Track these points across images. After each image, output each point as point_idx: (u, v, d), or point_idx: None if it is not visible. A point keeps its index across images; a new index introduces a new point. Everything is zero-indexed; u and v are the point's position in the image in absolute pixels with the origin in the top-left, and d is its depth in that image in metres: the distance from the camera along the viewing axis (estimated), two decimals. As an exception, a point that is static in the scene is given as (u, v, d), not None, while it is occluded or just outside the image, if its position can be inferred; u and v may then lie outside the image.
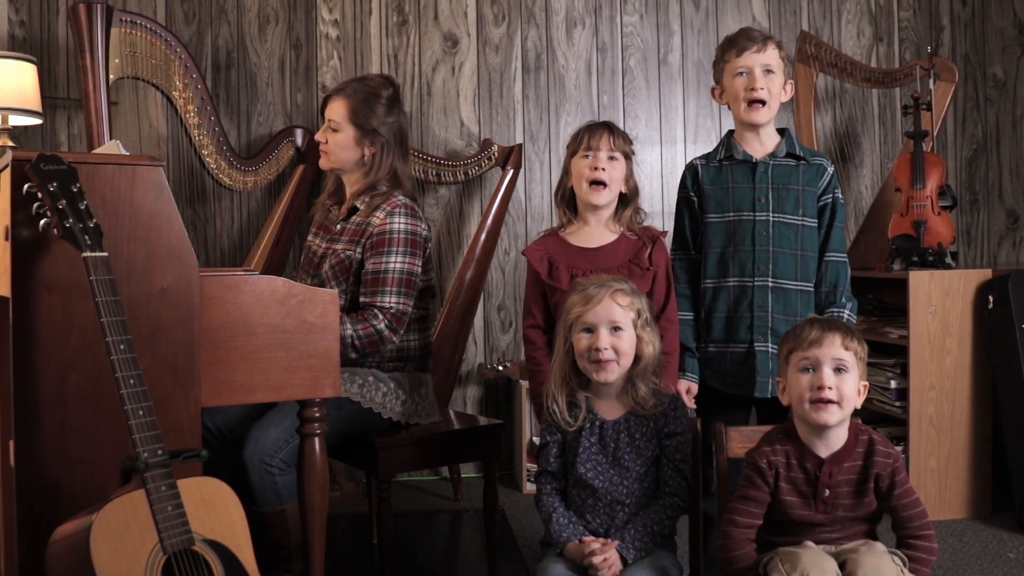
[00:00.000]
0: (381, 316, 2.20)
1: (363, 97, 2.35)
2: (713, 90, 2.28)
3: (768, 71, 2.15)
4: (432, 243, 3.48)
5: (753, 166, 2.18)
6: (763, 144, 2.21)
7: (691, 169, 2.26)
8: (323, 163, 2.42)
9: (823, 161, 2.22)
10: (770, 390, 2.12)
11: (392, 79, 2.47)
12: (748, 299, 2.14)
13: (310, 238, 2.49)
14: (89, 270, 1.43)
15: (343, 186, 2.47)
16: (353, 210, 2.37)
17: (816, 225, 2.18)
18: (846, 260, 2.22)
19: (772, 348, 2.12)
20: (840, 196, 2.22)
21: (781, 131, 2.24)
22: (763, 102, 2.15)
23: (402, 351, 2.34)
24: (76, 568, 1.33)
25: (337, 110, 2.36)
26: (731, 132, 2.26)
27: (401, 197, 2.32)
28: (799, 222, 2.16)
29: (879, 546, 1.57)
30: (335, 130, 2.36)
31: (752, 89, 2.14)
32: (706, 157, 2.27)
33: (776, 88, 2.17)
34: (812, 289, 2.17)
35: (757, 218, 2.15)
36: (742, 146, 2.21)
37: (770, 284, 2.14)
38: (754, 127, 2.19)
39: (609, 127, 2.11)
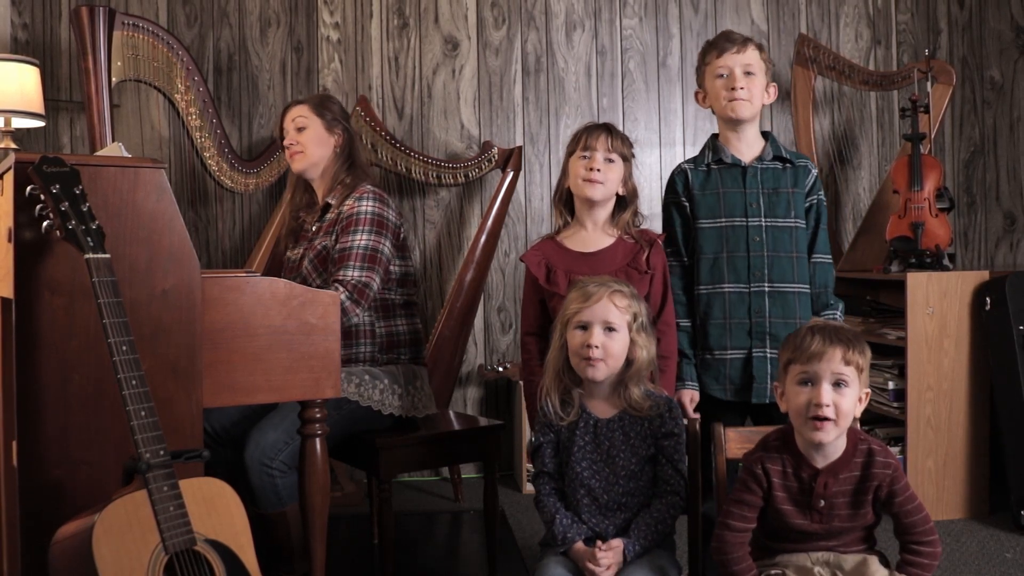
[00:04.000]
0: (342, 288, 2.21)
1: (318, 98, 2.52)
2: (696, 94, 2.28)
3: (748, 72, 2.15)
4: (431, 243, 3.52)
5: (743, 171, 2.19)
6: (749, 147, 2.21)
7: (680, 174, 2.25)
8: (297, 164, 2.47)
9: (807, 163, 2.23)
10: (768, 396, 2.12)
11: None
12: (746, 305, 2.14)
13: (288, 253, 2.53)
14: (92, 272, 1.44)
15: (312, 197, 2.52)
16: (326, 208, 2.42)
17: (805, 226, 2.19)
18: (831, 261, 2.24)
19: (771, 353, 2.13)
20: (823, 198, 2.23)
21: (764, 135, 2.24)
22: (744, 100, 2.15)
23: (392, 338, 2.35)
24: (79, 568, 1.34)
25: (299, 110, 2.47)
26: (715, 136, 2.26)
27: (368, 185, 2.39)
28: (792, 224, 2.17)
29: (876, 564, 1.57)
30: (302, 128, 2.45)
31: (732, 89, 2.15)
32: (694, 161, 2.26)
33: (757, 89, 2.17)
34: (808, 290, 2.18)
35: (750, 224, 2.15)
36: (729, 149, 2.21)
37: (767, 289, 2.14)
38: (736, 126, 2.19)
39: (608, 128, 2.11)
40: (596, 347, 1.77)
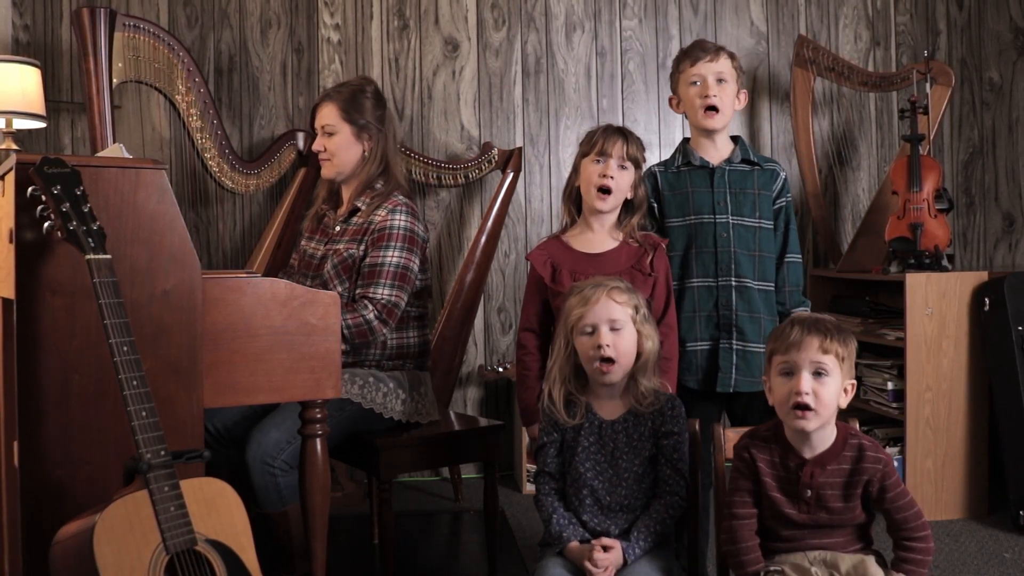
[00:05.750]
0: (371, 307, 2.21)
1: (349, 95, 2.41)
2: (670, 100, 2.37)
3: (720, 80, 2.24)
4: (431, 245, 3.53)
5: (711, 171, 2.25)
6: (718, 151, 2.28)
7: (650, 176, 2.31)
8: (326, 172, 2.44)
9: (776, 167, 2.30)
10: (732, 385, 2.19)
11: (371, 78, 2.52)
12: (714, 298, 2.21)
13: (304, 243, 2.52)
14: (93, 272, 1.45)
15: (337, 192, 2.50)
16: (354, 211, 2.39)
17: (772, 227, 2.26)
18: (801, 260, 2.32)
19: (736, 344, 2.20)
20: (791, 199, 2.31)
21: (734, 139, 2.32)
22: (716, 108, 2.23)
23: (401, 349, 2.36)
24: (80, 568, 1.35)
25: (328, 114, 2.40)
26: (686, 140, 2.34)
27: (401, 197, 2.36)
28: (756, 224, 2.23)
29: (872, 564, 1.58)
30: (331, 133, 2.40)
31: (705, 96, 2.22)
32: (664, 164, 2.33)
33: (728, 96, 2.25)
34: (771, 288, 2.25)
35: (718, 221, 2.22)
36: (699, 152, 2.28)
37: (734, 283, 2.20)
38: (709, 133, 2.27)
39: (624, 134, 2.13)
40: (607, 346, 1.78)
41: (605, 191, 2.10)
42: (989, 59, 3.76)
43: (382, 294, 2.24)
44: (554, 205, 3.58)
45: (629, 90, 3.67)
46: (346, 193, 2.47)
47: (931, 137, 3.34)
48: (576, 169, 2.17)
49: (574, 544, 1.75)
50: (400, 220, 2.30)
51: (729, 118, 2.27)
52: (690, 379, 2.22)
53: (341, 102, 2.39)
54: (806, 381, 1.55)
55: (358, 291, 2.27)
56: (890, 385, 3.06)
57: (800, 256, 2.30)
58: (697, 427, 1.83)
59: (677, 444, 1.80)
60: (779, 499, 1.60)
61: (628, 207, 2.16)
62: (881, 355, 3.16)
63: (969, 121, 3.78)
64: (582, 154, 2.15)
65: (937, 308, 2.94)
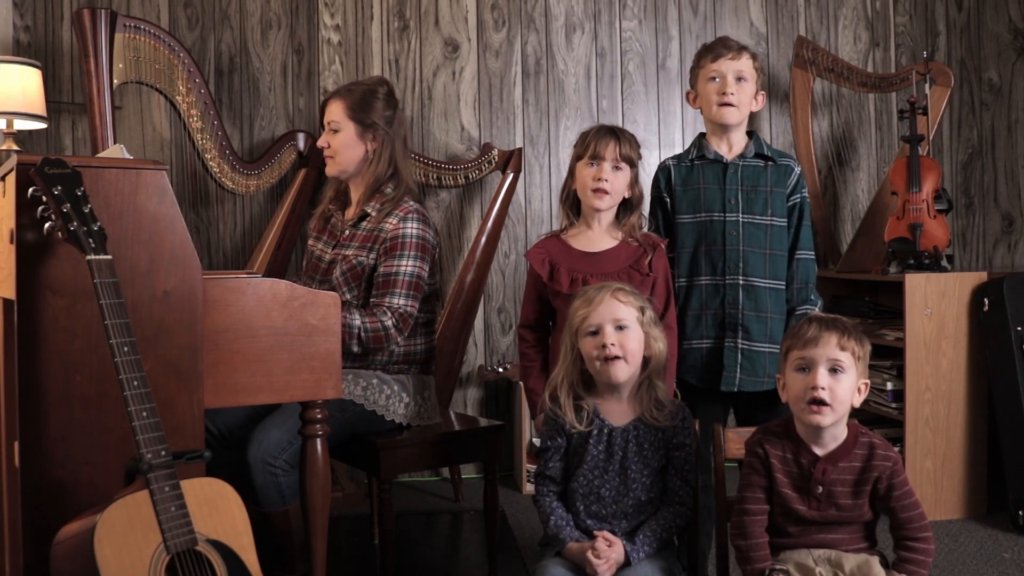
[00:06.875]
0: (390, 314, 2.23)
1: (360, 95, 2.40)
2: (688, 94, 2.36)
3: (740, 78, 2.22)
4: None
5: (724, 167, 2.24)
6: (733, 147, 2.27)
7: (664, 170, 2.31)
8: (330, 169, 2.43)
9: (791, 162, 2.28)
10: (736, 384, 2.18)
11: (386, 79, 2.51)
12: (720, 297, 2.20)
13: (311, 243, 2.51)
14: (93, 273, 1.45)
15: (345, 192, 2.49)
16: (363, 215, 2.38)
17: (785, 225, 2.24)
18: (814, 258, 2.30)
19: (742, 343, 2.19)
20: (807, 196, 2.29)
21: (749, 134, 2.30)
22: (732, 105, 2.22)
23: (408, 354, 2.36)
24: (81, 568, 1.35)
25: (336, 110, 2.39)
26: (702, 135, 2.32)
27: (412, 203, 2.36)
28: (768, 222, 2.22)
29: (876, 565, 1.58)
30: (336, 130, 2.39)
31: (723, 93, 2.21)
32: (678, 158, 2.32)
33: (746, 96, 2.24)
34: (782, 286, 2.23)
35: (727, 218, 2.21)
36: (712, 147, 2.27)
37: (741, 282, 2.19)
38: (723, 128, 2.25)
39: (616, 135, 2.13)
40: (612, 344, 1.77)
41: (602, 191, 2.10)
42: (988, 60, 3.76)
43: (399, 303, 2.25)
44: (554, 206, 3.59)
45: (629, 91, 3.67)
46: (354, 194, 2.46)
47: (930, 138, 3.35)
48: (572, 172, 2.17)
49: (572, 544, 1.75)
50: (412, 228, 2.30)
51: (744, 116, 2.25)
52: (691, 376, 2.22)
53: (350, 100, 2.38)
54: (823, 376, 1.57)
55: (374, 299, 2.27)
56: (889, 385, 3.06)
57: (812, 253, 2.28)
58: (697, 427, 1.83)
59: (688, 456, 1.80)
60: (790, 495, 1.61)
61: (626, 205, 2.16)
62: (880, 355, 3.16)
63: (968, 122, 3.79)
64: (576, 156, 2.15)
65: (936, 309, 2.94)
